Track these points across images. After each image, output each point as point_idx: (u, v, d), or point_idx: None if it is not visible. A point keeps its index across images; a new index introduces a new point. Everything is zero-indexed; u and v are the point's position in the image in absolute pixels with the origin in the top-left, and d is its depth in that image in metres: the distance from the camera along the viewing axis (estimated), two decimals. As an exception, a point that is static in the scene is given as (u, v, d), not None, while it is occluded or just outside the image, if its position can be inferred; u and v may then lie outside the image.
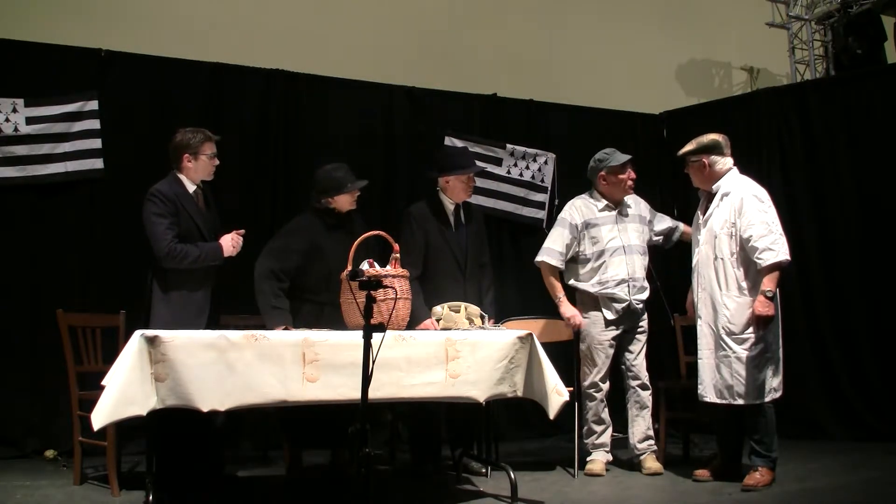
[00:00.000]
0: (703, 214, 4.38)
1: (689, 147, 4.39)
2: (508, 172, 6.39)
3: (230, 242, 4.20)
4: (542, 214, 6.45)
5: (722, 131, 6.60)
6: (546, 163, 6.49)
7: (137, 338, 3.20)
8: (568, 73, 7.48)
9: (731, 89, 8.64)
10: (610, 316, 4.62)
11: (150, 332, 3.22)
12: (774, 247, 4.07)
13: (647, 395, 4.69)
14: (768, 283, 4.06)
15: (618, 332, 4.67)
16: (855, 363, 5.74)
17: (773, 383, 4.15)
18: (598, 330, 4.65)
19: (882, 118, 5.82)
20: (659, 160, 6.92)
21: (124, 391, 3.12)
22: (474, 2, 7.59)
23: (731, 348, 4.15)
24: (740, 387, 4.11)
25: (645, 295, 4.68)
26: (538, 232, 6.38)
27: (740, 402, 4.13)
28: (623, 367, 4.72)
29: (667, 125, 7.03)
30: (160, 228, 4.03)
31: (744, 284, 4.15)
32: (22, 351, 5.08)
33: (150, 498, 3.51)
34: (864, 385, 5.73)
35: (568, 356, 4.73)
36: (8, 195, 5.12)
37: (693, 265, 4.41)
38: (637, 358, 4.69)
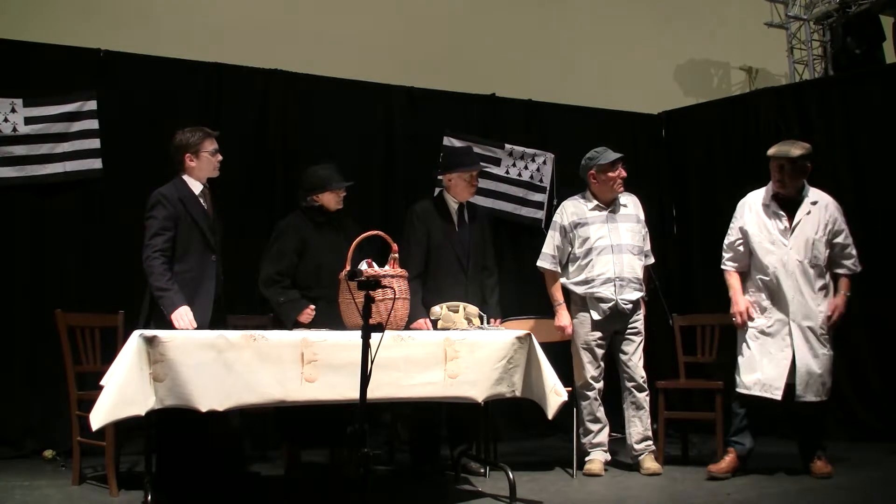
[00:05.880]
0: (790, 219, 4.43)
1: (801, 151, 4.40)
2: (507, 172, 6.39)
3: (183, 320, 3.82)
4: (540, 214, 6.45)
5: (721, 131, 6.62)
6: (545, 163, 6.50)
7: (136, 338, 3.19)
8: (566, 73, 7.48)
9: (730, 89, 8.64)
10: (596, 317, 4.61)
11: (149, 332, 3.22)
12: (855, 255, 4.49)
13: (643, 396, 4.68)
14: (848, 286, 4.45)
15: (607, 333, 4.67)
16: (855, 363, 5.74)
17: None
18: (585, 330, 4.65)
19: (881, 118, 5.82)
20: (658, 160, 6.94)
21: (123, 391, 3.12)
22: (474, 2, 7.59)
23: (827, 348, 4.39)
24: (830, 383, 4.39)
25: (635, 295, 4.64)
26: (537, 232, 6.38)
27: (826, 397, 4.38)
28: (619, 367, 4.73)
29: (666, 125, 7.03)
30: (148, 233, 3.99)
31: (828, 287, 4.45)
32: (21, 351, 5.08)
33: (149, 498, 3.51)
34: (863, 385, 5.73)
35: (567, 356, 4.73)
36: (7, 195, 5.12)
37: (772, 267, 4.40)
38: (632, 358, 4.67)
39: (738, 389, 4.42)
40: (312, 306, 4.23)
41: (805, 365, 4.31)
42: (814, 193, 4.49)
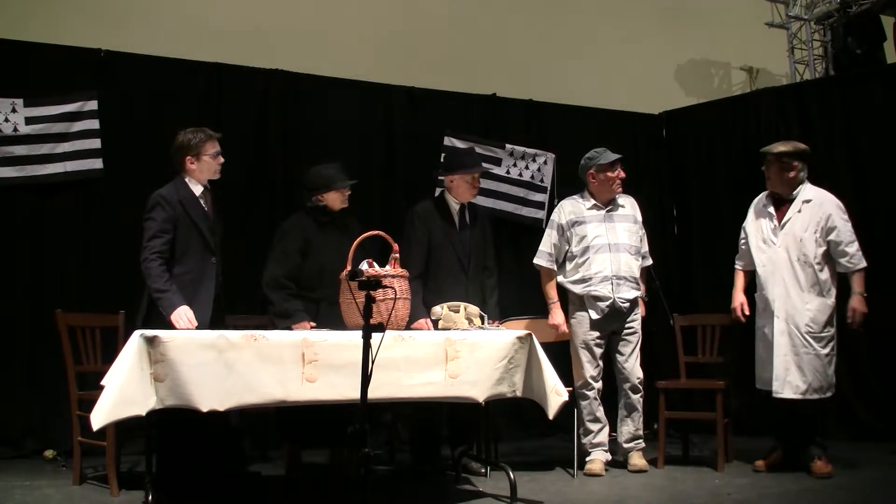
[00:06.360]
0: (779, 218, 4.52)
1: (785, 148, 4.52)
2: (508, 172, 6.39)
3: (183, 319, 3.82)
4: (541, 214, 6.45)
5: (721, 131, 6.62)
6: (545, 163, 6.50)
7: (136, 338, 3.19)
8: (567, 73, 7.48)
9: (731, 89, 8.64)
10: (595, 316, 4.63)
11: (150, 332, 3.22)
12: (860, 253, 4.44)
13: (636, 398, 4.70)
14: (861, 284, 4.43)
15: (605, 332, 4.68)
16: (855, 363, 5.74)
17: (833, 379, 4.42)
18: (583, 330, 4.67)
19: (881, 118, 5.82)
20: (658, 160, 6.93)
21: (124, 391, 3.12)
22: (474, 2, 7.58)
23: (812, 346, 4.36)
24: (817, 382, 4.35)
25: (632, 294, 4.66)
26: (537, 232, 6.36)
27: (815, 396, 4.35)
28: (615, 369, 4.75)
29: (666, 125, 7.03)
30: (146, 235, 3.97)
31: (825, 286, 4.41)
32: (22, 351, 5.08)
33: (150, 498, 3.51)
34: (863, 385, 5.73)
35: (567, 356, 4.74)
36: (7, 195, 5.12)
37: (762, 266, 4.54)
38: (628, 360, 4.69)
39: (756, 385, 4.59)
40: (313, 323, 4.15)
41: (783, 362, 4.38)
42: (809, 192, 4.52)
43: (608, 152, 4.71)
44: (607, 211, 4.72)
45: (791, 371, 4.37)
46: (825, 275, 4.43)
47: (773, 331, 4.45)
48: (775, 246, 4.49)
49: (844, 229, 4.42)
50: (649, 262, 4.88)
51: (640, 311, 4.75)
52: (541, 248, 4.82)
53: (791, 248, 4.45)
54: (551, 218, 4.86)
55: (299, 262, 4.34)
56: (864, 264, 4.44)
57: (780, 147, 4.52)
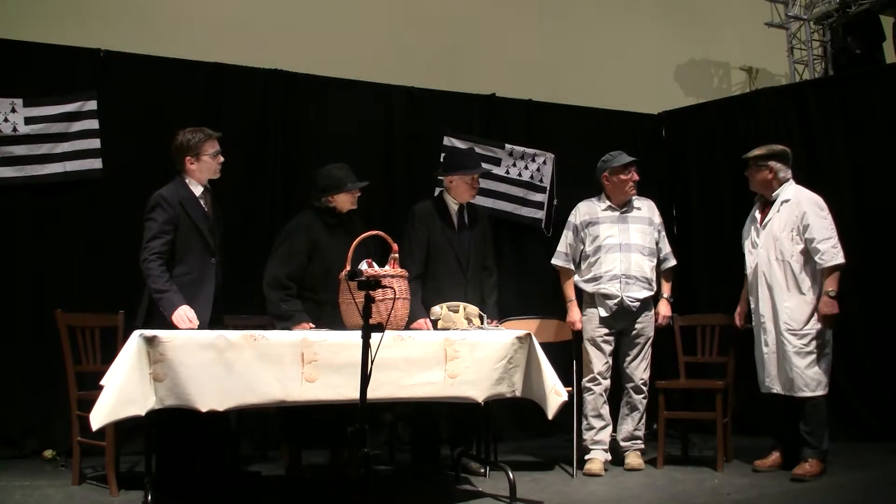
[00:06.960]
0: (762, 220, 4.60)
1: (759, 152, 4.61)
2: (507, 172, 6.39)
3: (184, 319, 3.82)
4: (540, 214, 6.45)
5: (721, 131, 6.63)
6: (545, 163, 6.49)
7: (136, 338, 3.19)
8: (567, 73, 7.47)
9: (730, 89, 8.64)
10: (604, 313, 4.70)
11: (149, 332, 3.22)
12: (835, 249, 4.39)
13: (639, 398, 4.75)
14: (831, 284, 4.37)
15: (614, 330, 4.72)
16: (854, 363, 5.74)
17: (826, 378, 4.40)
18: (593, 326, 4.73)
19: (881, 118, 5.82)
20: (658, 160, 6.93)
21: (123, 391, 3.12)
22: (474, 2, 7.58)
23: (791, 344, 4.38)
24: (800, 380, 4.35)
25: (642, 294, 4.70)
26: (537, 232, 6.40)
27: (801, 394, 4.35)
28: (619, 368, 4.78)
29: (666, 125, 7.04)
30: (147, 235, 3.97)
31: (804, 284, 4.42)
32: (21, 351, 5.07)
33: (149, 498, 3.51)
34: (863, 385, 5.73)
35: (567, 356, 4.75)
36: (6, 195, 5.11)
37: (750, 268, 4.62)
38: (633, 362, 4.74)
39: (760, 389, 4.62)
40: (312, 325, 4.10)
41: (770, 360, 4.47)
42: (789, 192, 4.55)
43: (623, 155, 4.78)
44: (622, 212, 4.79)
45: (776, 368, 4.44)
46: (803, 273, 4.43)
47: (760, 330, 4.54)
48: (759, 247, 4.56)
49: (818, 226, 4.40)
50: (672, 262, 4.93)
51: (660, 310, 4.81)
52: (558, 248, 4.93)
53: (770, 248, 4.50)
54: (568, 219, 4.96)
55: (304, 263, 4.30)
56: (836, 261, 4.35)
57: (754, 151, 4.61)
